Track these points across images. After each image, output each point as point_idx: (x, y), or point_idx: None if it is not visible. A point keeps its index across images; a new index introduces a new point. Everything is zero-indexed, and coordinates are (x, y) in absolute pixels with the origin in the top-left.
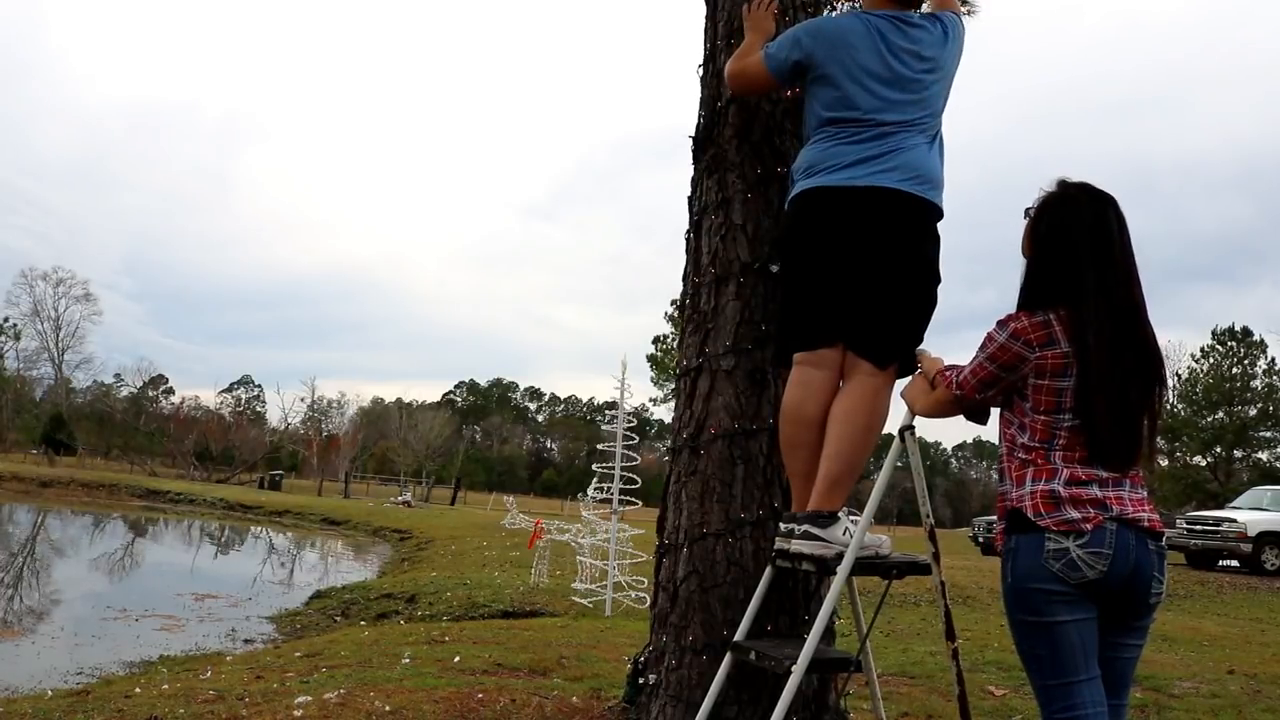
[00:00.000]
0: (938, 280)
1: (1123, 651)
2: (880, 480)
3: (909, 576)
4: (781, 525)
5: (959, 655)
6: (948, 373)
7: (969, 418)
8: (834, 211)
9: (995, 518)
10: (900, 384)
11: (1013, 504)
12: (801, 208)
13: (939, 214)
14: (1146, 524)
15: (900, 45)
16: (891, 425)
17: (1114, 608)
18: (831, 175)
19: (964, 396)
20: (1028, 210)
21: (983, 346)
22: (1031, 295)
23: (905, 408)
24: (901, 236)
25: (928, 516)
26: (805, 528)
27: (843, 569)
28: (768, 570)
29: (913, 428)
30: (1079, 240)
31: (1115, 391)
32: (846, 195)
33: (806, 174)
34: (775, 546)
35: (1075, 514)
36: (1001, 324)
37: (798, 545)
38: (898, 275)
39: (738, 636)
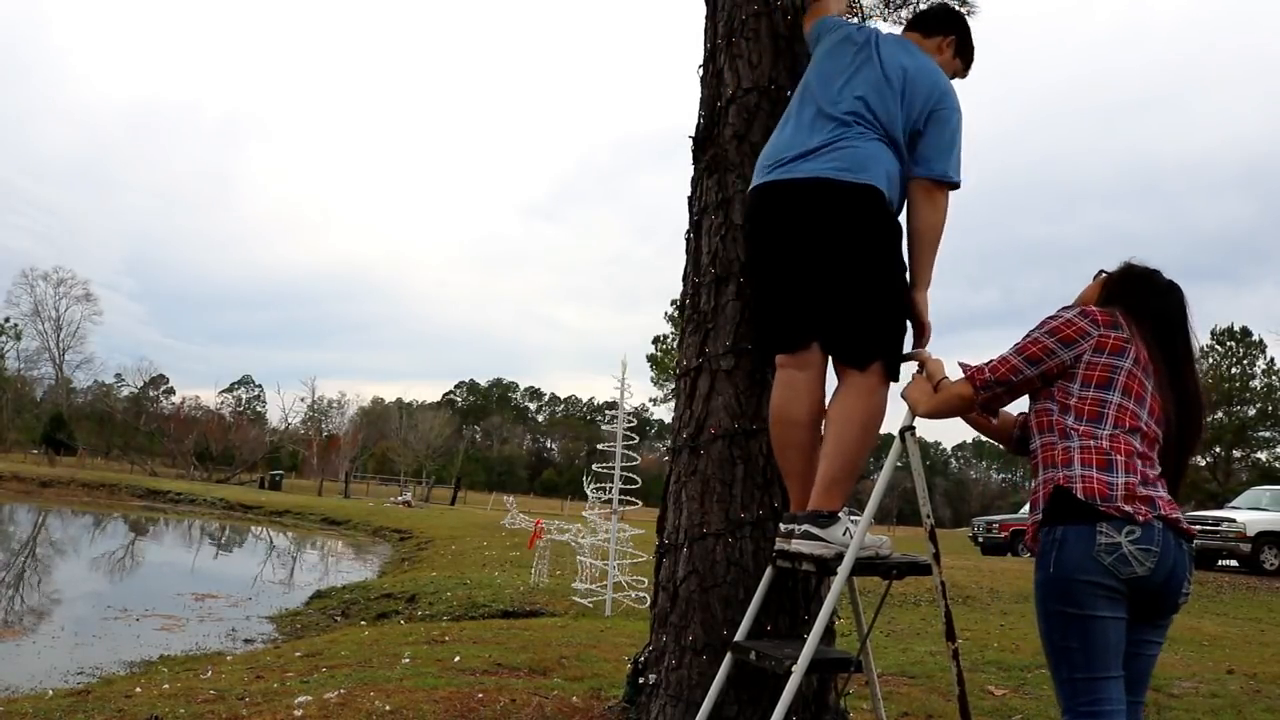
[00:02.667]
0: (904, 271)
1: (1145, 649)
2: (880, 481)
3: (909, 577)
4: (782, 525)
5: (959, 655)
6: (968, 368)
7: (983, 409)
8: (778, 207)
9: (995, 517)
10: (899, 384)
11: (1060, 483)
12: (752, 205)
13: (883, 199)
14: (1183, 526)
15: (891, 58)
16: (891, 425)
17: (1145, 606)
18: (776, 171)
19: (996, 381)
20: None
21: (1040, 325)
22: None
23: (906, 407)
24: (849, 228)
25: (928, 517)
26: (805, 527)
27: (843, 569)
28: (768, 570)
29: (913, 428)
30: (1150, 292)
31: (1182, 411)
32: (787, 189)
33: (759, 169)
34: (776, 546)
35: (1128, 507)
36: (1068, 306)
37: (798, 545)
38: (854, 272)
39: (738, 636)
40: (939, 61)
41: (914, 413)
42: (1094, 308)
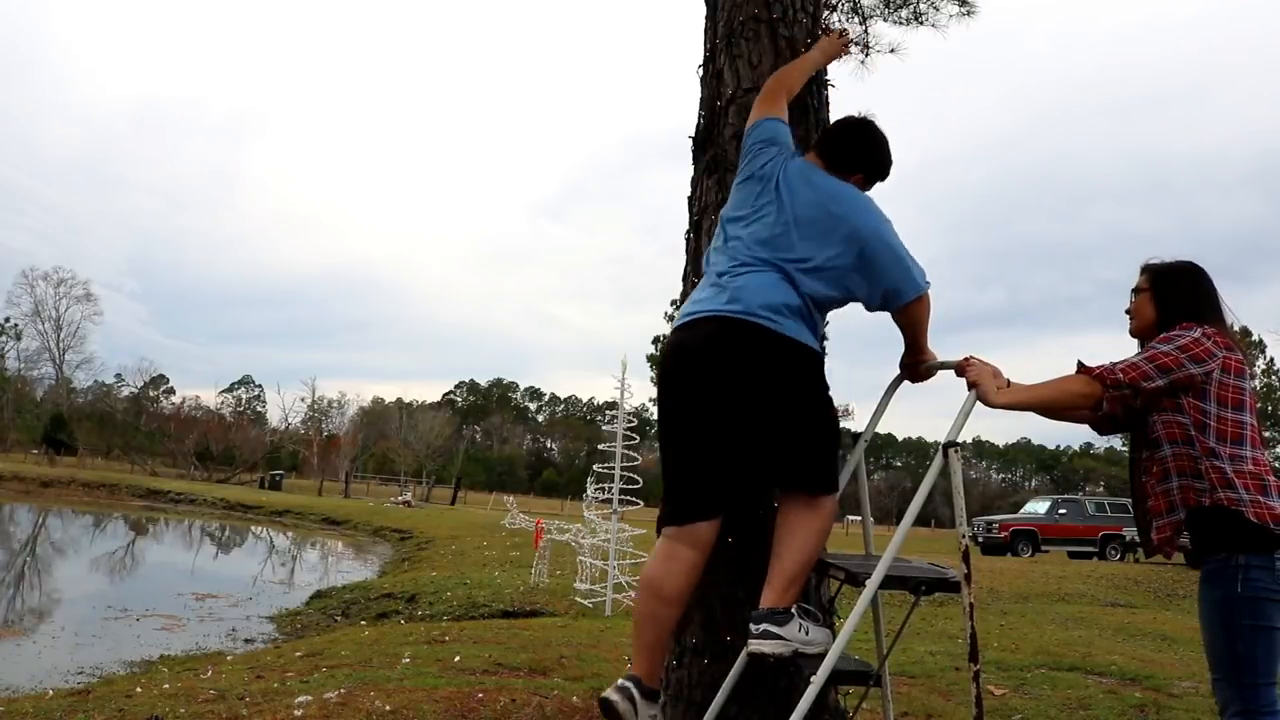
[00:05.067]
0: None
1: None
2: (919, 495)
3: (937, 593)
4: (751, 625)
5: (980, 678)
6: (1092, 368)
7: (1091, 411)
8: (684, 361)
9: (995, 517)
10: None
11: (1226, 504)
12: (662, 360)
13: (777, 340)
14: None
15: (795, 197)
16: (917, 428)
17: None
18: (685, 319)
19: (1126, 383)
20: (1137, 289)
21: (1165, 341)
22: (1171, 323)
23: (953, 423)
24: (762, 374)
25: (964, 536)
26: (764, 626)
27: (872, 583)
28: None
29: (957, 444)
30: (1209, 283)
31: None
32: (693, 340)
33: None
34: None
35: None
36: (1186, 327)
37: (758, 645)
38: (783, 415)
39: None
40: None
41: (987, 401)
42: (1212, 329)
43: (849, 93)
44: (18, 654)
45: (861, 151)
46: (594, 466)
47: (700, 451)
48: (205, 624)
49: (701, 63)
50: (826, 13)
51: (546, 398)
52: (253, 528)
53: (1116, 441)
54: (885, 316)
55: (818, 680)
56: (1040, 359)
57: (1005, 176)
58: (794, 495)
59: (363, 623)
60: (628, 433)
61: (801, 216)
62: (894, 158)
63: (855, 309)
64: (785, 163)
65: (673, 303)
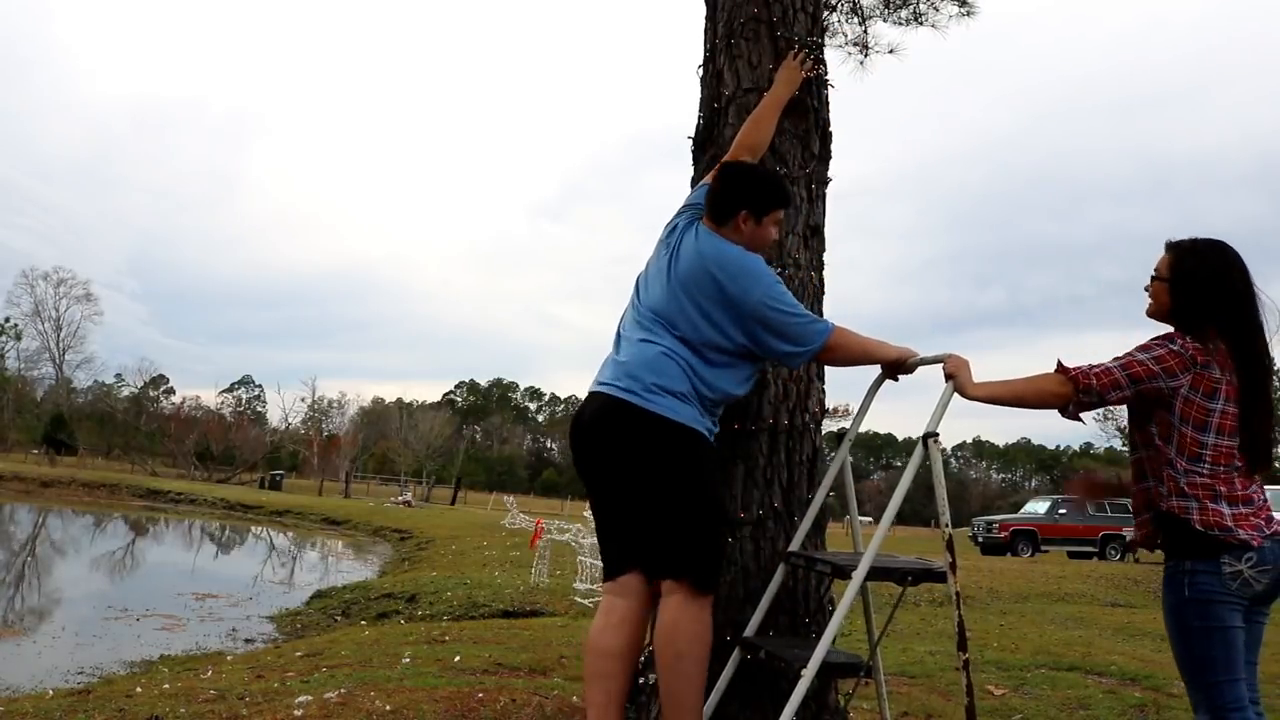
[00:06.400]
0: (695, 497)
1: (1258, 618)
2: (901, 487)
3: (923, 584)
4: None
5: (970, 667)
6: (1068, 369)
7: (1062, 411)
8: (583, 428)
9: (995, 517)
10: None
11: (1176, 512)
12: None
13: (647, 417)
14: None
15: (682, 262)
16: (911, 428)
17: (1256, 601)
18: (596, 383)
19: (1097, 389)
20: (1157, 275)
21: (1144, 349)
22: (1183, 317)
23: (942, 405)
24: (642, 455)
25: (946, 526)
26: None
27: (858, 575)
28: (781, 568)
29: (936, 434)
30: (1235, 277)
31: (1268, 410)
32: (593, 409)
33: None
34: None
35: (1243, 534)
36: (1168, 337)
37: None
38: (656, 495)
39: (748, 633)
40: (745, 238)
41: (963, 392)
42: (1191, 342)
43: (849, 93)
44: (18, 654)
45: (734, 190)
46: None
47: (608, 513)
48: (205, 624)
49: (701, 63)
50: (826, 13)
51: (546, 398)
52: (253, 528)
53: (1117, 441)
54: (878, 313)
55: (808, 673)
56: (1041, 359)
57: (1005, 176)
58: (673, 590)
59: (363, 623)
60: None
61: (689, 288)
62: (783, 184)
63: (856, 309)
64: (684, 232)
65: None
